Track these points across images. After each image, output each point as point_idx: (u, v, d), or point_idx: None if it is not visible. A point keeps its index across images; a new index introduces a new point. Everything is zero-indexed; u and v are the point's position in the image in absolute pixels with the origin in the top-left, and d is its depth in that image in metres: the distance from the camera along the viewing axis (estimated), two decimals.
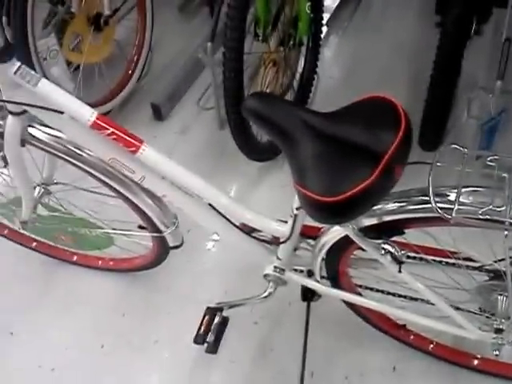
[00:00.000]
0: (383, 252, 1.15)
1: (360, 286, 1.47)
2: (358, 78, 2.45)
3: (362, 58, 2.62)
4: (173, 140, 2.33)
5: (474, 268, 1.25)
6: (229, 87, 1.75)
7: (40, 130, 1.32)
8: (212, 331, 1.46)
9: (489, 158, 0.96)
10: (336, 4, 2.85)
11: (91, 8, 2.23)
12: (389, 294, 1.42)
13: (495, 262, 1.21)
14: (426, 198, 1.04)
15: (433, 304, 1.33)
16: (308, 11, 1.98)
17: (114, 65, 2.47)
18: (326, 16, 2.39)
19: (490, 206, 0.94)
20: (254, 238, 1.38)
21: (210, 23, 2.54)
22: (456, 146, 0.99)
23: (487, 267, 1.25)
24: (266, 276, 1.43)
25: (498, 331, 1.28)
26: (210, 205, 1.30)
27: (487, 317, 1.31)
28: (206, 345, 1.46)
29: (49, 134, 1.33)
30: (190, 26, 2.81)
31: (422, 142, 2.03)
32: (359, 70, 2.55)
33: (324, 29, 2.26)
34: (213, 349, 1.46)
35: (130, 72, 2.49)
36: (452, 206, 0.98)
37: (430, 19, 1.98)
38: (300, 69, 2.27)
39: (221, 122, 2.27)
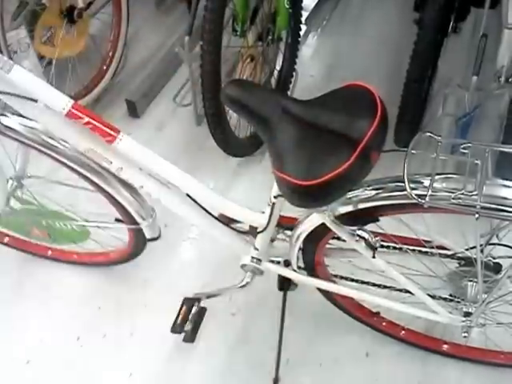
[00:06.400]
0: (358, 238, 1.18)
1: (335, 276, 1.50)
2: (337, 76, 2.48)
3: (341, 56, 2.65)
4: (149, 137, 2.32)
5: (447, 256, 1.30)
6: (206, 81, 1.75)
7: (12, 119, 1.29)
8: (190, 321, 1.47)
9: (462, 146, 0.99)
10: (315, 2, 2.86)
11: (64, 0, 2.20)
12: (363, 283, 1.45)
13: (466, 249, 1.26)
14: (401, 185, 1.07)
15: (405, 291, 1.37)
16: (287, 6, 1.98)
17: (89, 60, 2.45)
18: (304, 14, 2.41)
19: (463, 191, 0.97)
20: (232, 228, 1.39)
21: (186, 19, 2.53)
22: (431, 134, 1.01)
23: (459, 255, 1.29)
24: (243, 266, 1.44)
25: (467, 315, 1.34)
26: (188, 195, 1.30)
27: (457, 301, 1.36)
28: (183, 334, 1.47)
29: (22, 123, 1.29)
30: (166, 22, 2.81)
31: (397, 138, 2.06)
32: (338, 67, 2.58)
33: (303, 27, 2.27)
34: (190, 338, 1.48)
35: (104, 68, 2.47)
36: (426, 192, 1.00)
37: (409, 16, 2.01)
38: (278, 66, 2.28)
39: (198, 118, 2.27)
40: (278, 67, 2.30)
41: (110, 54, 2.49)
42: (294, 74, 2.33)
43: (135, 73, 2.56)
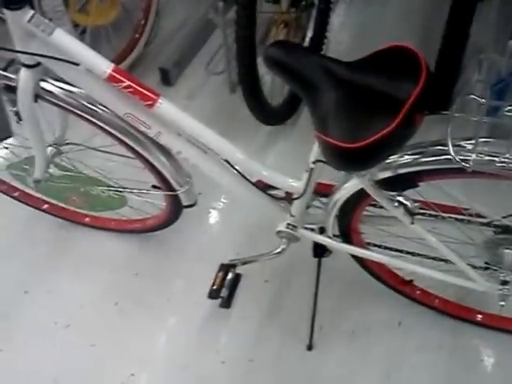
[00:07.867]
0: (397, 204, 1.17)
1: (369, 244, 1.49)
2: (368, 43, 2.39)
3: (372, 24, 2.61)
4: (181, 105, 2.21)
5: (484, 223, 1.28)
6: (241, 46, 1.74)
7: (54, 84, 1.30)
8: (226, 287, 1.48)
9: (507, 108, 0.97)
10: None
11: None
12: (397, 251, 1.44)
13: (504, 217, 1.24)
14: (443, 149, 1.05)
15: (439, 259, 1.37)
16: None
17: (121, 29, 2.46)
18: None
19: (507, 155, 0.95)
20: (269, 195, 1.40)
21: None
22: (474, 97, 0.99)
23: (496, 222, 1.28)
24: (278, 233, 1.44)
25: (504, 283, 1.33)
26: (226, 161, 1.30)
27: (494, 270, 1.35)
28: (219, 300, 1.48)
29: (63, 88, 1.31)
30: None
31: (431, 104, 2.03)
32: (368, 35, 2.54)
33: None
34: (226, 304, 1.49)
35: (137, 36, 2.47)
36: (469, 157, 0.99)
37: None
38: (310, 32, 2.25)
39: (232, 85, 2.26)
40: (309, 34, 2.27)
41: (143, 22, 2.48)
42: (325, 41, 2.30)
43: (168, 41, 2.55)
